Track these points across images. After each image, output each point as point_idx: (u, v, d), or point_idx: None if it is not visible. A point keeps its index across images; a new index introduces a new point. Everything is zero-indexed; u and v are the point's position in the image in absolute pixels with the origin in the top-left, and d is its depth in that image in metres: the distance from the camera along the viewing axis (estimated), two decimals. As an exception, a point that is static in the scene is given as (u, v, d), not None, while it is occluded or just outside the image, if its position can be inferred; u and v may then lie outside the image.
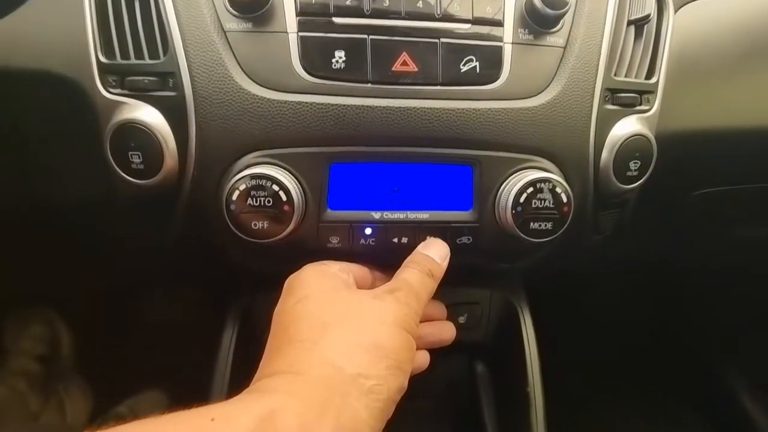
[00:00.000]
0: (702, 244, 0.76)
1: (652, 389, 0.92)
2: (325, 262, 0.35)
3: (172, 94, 0.35)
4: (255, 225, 0.33)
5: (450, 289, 0.50)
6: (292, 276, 0.34)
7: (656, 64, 0.43)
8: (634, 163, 0.40)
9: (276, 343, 0.30)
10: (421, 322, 0.42)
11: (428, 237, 0.38)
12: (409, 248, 0.37)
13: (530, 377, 0.49)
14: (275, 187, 0.33)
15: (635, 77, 0.42)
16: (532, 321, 0.53)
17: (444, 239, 0.38)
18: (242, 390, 0.27)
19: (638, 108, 0.42)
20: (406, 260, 0.36)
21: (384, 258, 0.38)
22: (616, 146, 0.39)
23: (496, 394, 0.62)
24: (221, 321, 0.52)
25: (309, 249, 0.37)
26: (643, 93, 0.42)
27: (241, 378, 0.33)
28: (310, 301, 0.30)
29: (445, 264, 0.36)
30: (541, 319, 0.56)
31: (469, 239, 0.38)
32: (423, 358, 0.40)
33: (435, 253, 0.36)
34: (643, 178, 0.42)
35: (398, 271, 0.35)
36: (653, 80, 0.43)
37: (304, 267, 0.34)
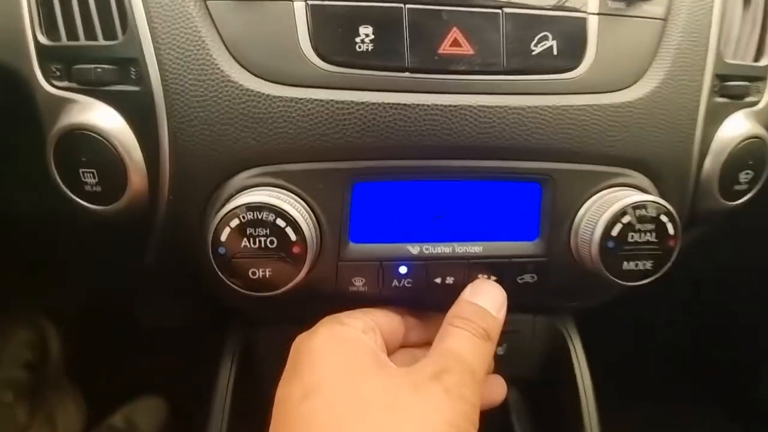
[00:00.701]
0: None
1: (690, 395, 0.86)
2: (343, 319, 0.26)
3: (135, 88, 0.25)
4: (254, 274, 0.24)
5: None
6: (299, 340, 0.25)
7: (766, 42, 0.33)
8: (746, 174, 0.31)
9: None
10: None
11: (478, 277, 0.29)
12: (456, 291, 0.28)
13: (585, 416, 0.41)
14: (281, 222, 0.24)
15: (742, 60, 0.32)
16: (584, 352, 0.45)
17: (501, 279, 0.29)
18: None
19: (747, 100, 0.32)
20: (448, 314, 0.27)
21: (423, 302, 0.29)
22: (726, 152, 0.30)
23: (535, 423, 0.55)
24: (217, 356, 0.44)
25: (324, 295, 0.28)
26: (753, 80, 0.32)
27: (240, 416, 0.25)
28: (321, 398, 0.22)
29: (502, 316, 0.27)
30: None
31: (533, 278, 0.29)
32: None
33: (488, 302, 0.27)
34: (752, 192, 0.32)
35: (440, 334, 0.26)
36: (763, 63, 0.33)
37: (317, 328, 0.25)
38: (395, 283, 0.28)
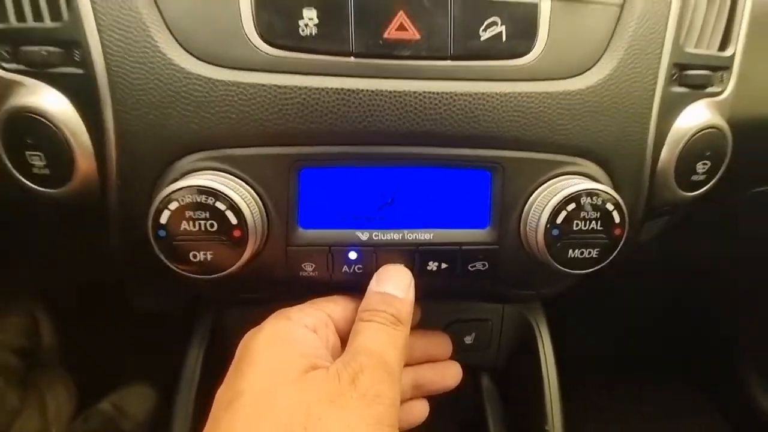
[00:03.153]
0: (735, 241, 0.68)
1: (668, 382, 0.87)
2: (292, 314, 0.26)
3: (79, 71, 0.25)
4: (195, 257, 0.24)
5: (454, 304, 0.42)
6: (246, 337, 0.25)
7: (732, 33, 0.32)
8: (703, 164, 0.31)
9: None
10: (420, 362, 0.34)
11: (384, 266, 0.29)
12: (407, 277, 0.28)
13: (549, 414, 0.41)
14: (220, 205, 0.24)
15: (706, 49, 0.32)
16: (551, 342, 0.45)
17: (452, 266, 0.29)
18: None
19: (709, 90, 0.32)
20: (359, 309, 0.27)
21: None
22: (682, 142, 0.30)
23: (506, 413, 0.56)
24: (186, 340, 0.45)
25: (276, 279, 0.28)
26: (716, 69, 0.32)
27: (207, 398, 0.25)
28: (242, 408, 0.22)
29: (410, 296, 0.27)
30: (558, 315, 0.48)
31: (484, 265, 0.29)
32: (421, 410, 0.32)
33: (393, 286, 0.27)
34: (711, 183, 0.32)
35: (353, 330, 0.26)
36: (728, 53, 0.32)
37: (264, 324, 0.26)
38: (345, 268, 0.28)
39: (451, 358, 0.41)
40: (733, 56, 0.32)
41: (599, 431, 0.78)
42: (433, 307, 0.38)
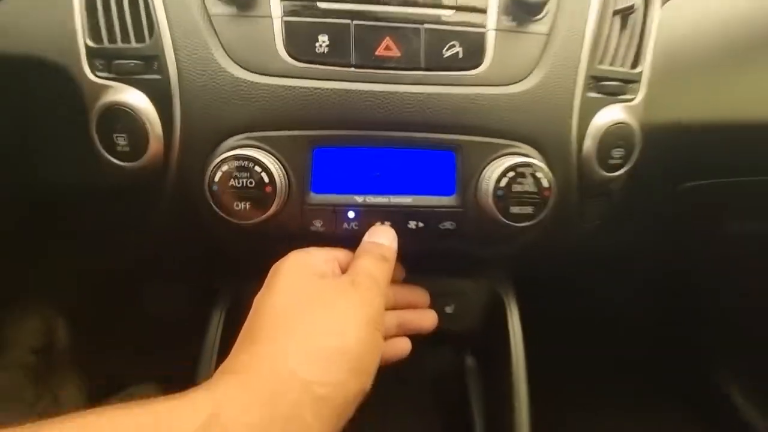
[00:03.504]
0: (692, 238, 0.77)
1: (644, 384, 0.92)
2: (310, 249, 0.35)
3: (157, 77, 0.35)
4: (237, 206, 0.33)
5: (437, 279, 0.50)
6: (276, 264, 0.34)
7: (641, 54, 0.43)
8: (617, 150, 0.41)
9: (244, 335, 0.30)
10: (403, 308, 0.42)
11: (374, 225, 0.38)
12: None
13: (514, 366, 0.49)
14: (258, 169, 0.33)
15: (620, 66, 0.42)
16: (518, 312, 0.54)
17: (427, 224, 0.38)
18: None
19: (623, 97, 0.42)
20: (357, 251, 0.36)
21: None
22: (600, 134, 0.40)
23: (485, 387, 0.63)
24: (210, 306, 0.52)
25: (293, 232, 0.37)
26: (628, 82, 0.42)
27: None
28: (278, 295, 0.30)
29: (394, 245, 0.36)
30: (539, 314, 0.56)
31: (452, 224, 0.38)
32: (403, 345, 0.40)
33: (381, 238, 0.36)
34: (627, 166, 0.42)
35: (351, 264, 0.35)
36: (638, 70, 0.43)
37: (290, 255, 0.34)
38: (346, 225, 0.38)
39: (437, 326, 0.49)
40: (641, 73, 0.43)
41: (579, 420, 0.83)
42: (419, 282, 0.47)
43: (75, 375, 0.88)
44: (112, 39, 0.36)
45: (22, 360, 0.82)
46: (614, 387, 0.91)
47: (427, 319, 0.42)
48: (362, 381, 0.29)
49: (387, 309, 0.37)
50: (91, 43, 0.36)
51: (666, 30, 0.45)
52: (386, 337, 0.38)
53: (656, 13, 0.44)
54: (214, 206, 0.33)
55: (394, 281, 0.38)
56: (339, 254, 0.37)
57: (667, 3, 0.47)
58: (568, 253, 0.66)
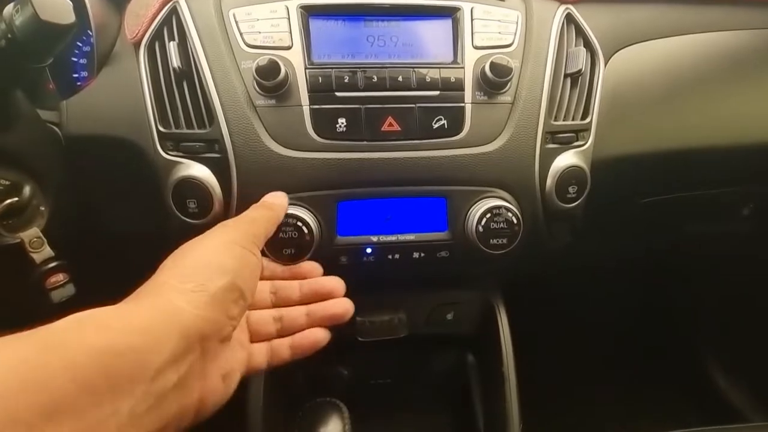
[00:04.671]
0: (661, 239, 0.88)
1: (636, 376, 1.02)
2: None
3: (218, 155, 0.46)
4: (285, 252, 0.45)
5: (438, 292, 0.62)
6: None
7: (590, 107, 0.54)
8: (572, 187, 0.52)
9: None
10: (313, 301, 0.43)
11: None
12: (401, 263, 0.49)
13: (504, 358, 0.60)
14: (299, 223, 0.44)
15: (572, 120, 0.54)
16: (506, 315, 0.65)
17: (427, 254, 0.50)
18: None
19: (575, 144, 0.53)
20: None
21: (382, 270, 0.50)
22: (557, 176, 0.51)
23: (483, 378, 0.73)
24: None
25: (324, 266, 0.48)
26: (579, 131, 0.54)
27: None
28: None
29: (282, 200, 0.44)
30: (528, 317, 0.65)
31: (446, 253, 0.50)
32: (318, 335, 0.41)
33: (269, 198, 0.44)
34: (581, 199, 0.53)
35: None
36: (587, 120, 0.54)
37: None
38: (364, 258, 0.49)
39: (438, 331, 0.61)
40: (590, 122, 0.54)
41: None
42: (424, 296, 0.58)
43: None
44: (178, 125, 0.48)
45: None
46: (603, 380, 1.00)
47: (338, 307, 0.41)
48: (227, 279, 0.32)
49: (263, 279, 0.42)
50: (162, 128, 0.48)
51: (612, 78, 0.56)
52: (295, 330, 0.41)
53: (601, 71, 0.56)
54: (267, 253, 0.45)
55: (305, 275, 0.44)
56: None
57: (614, 55, 0.59)
58: (552, 263, 0.77)
